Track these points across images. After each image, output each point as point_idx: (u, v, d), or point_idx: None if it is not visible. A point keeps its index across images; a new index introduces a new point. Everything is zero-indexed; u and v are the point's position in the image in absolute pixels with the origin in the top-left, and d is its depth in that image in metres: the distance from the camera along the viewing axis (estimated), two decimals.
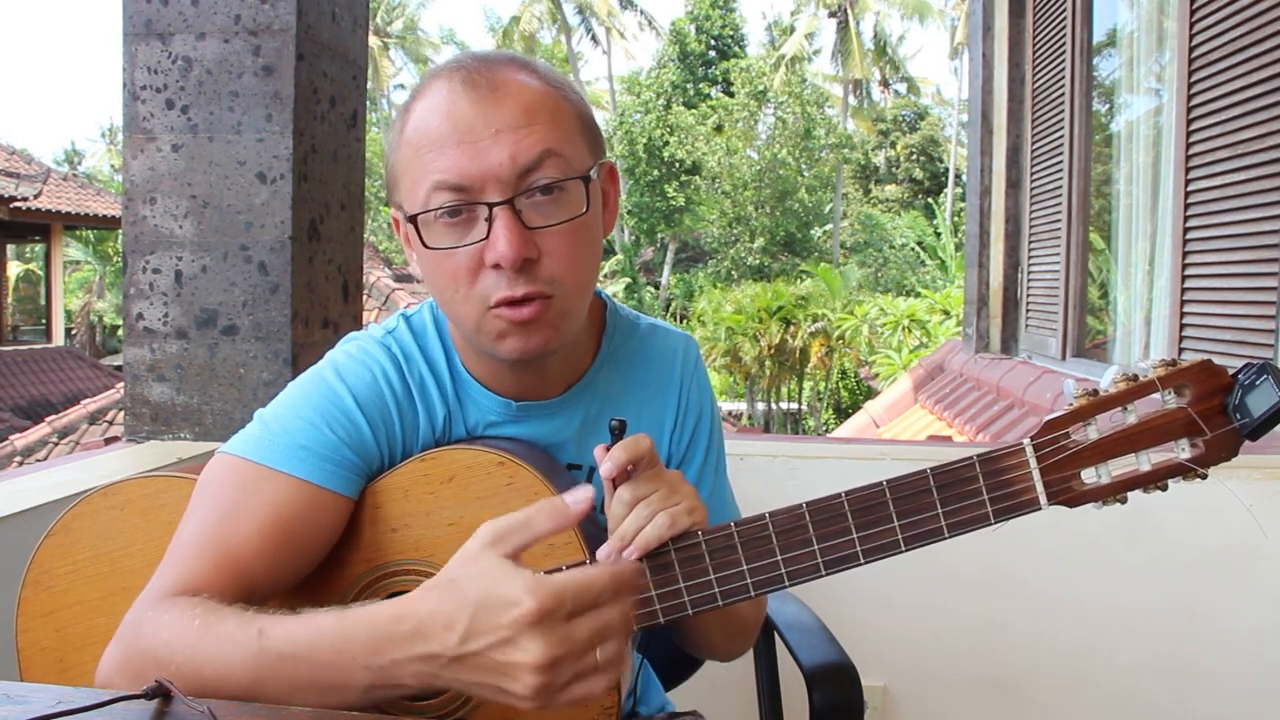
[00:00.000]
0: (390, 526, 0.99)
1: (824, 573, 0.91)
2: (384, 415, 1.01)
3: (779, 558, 0.92)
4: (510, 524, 0.78)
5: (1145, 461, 0.87)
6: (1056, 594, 1.95)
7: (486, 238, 0.92)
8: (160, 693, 0.75)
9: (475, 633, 0.74)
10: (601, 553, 0.94)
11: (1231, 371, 0.85)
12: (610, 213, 1.04)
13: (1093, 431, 0.87)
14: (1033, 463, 0.87)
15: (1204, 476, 0.87)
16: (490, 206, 0.91)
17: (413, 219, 0.94)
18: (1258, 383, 0.82)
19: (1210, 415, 0.85)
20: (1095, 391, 0.87)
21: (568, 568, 0.94)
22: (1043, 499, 0.88)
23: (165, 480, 1.05)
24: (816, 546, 0.91)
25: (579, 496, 0.79)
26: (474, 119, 0.92)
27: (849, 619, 1.57)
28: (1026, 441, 0.88)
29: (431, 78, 0.97)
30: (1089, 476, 0.88)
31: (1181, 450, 0.86)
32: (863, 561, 0.91)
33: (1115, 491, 0.88)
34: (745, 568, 0.92)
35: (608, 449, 0.93)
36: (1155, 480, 0.87)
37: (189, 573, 0.91)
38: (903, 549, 0.90)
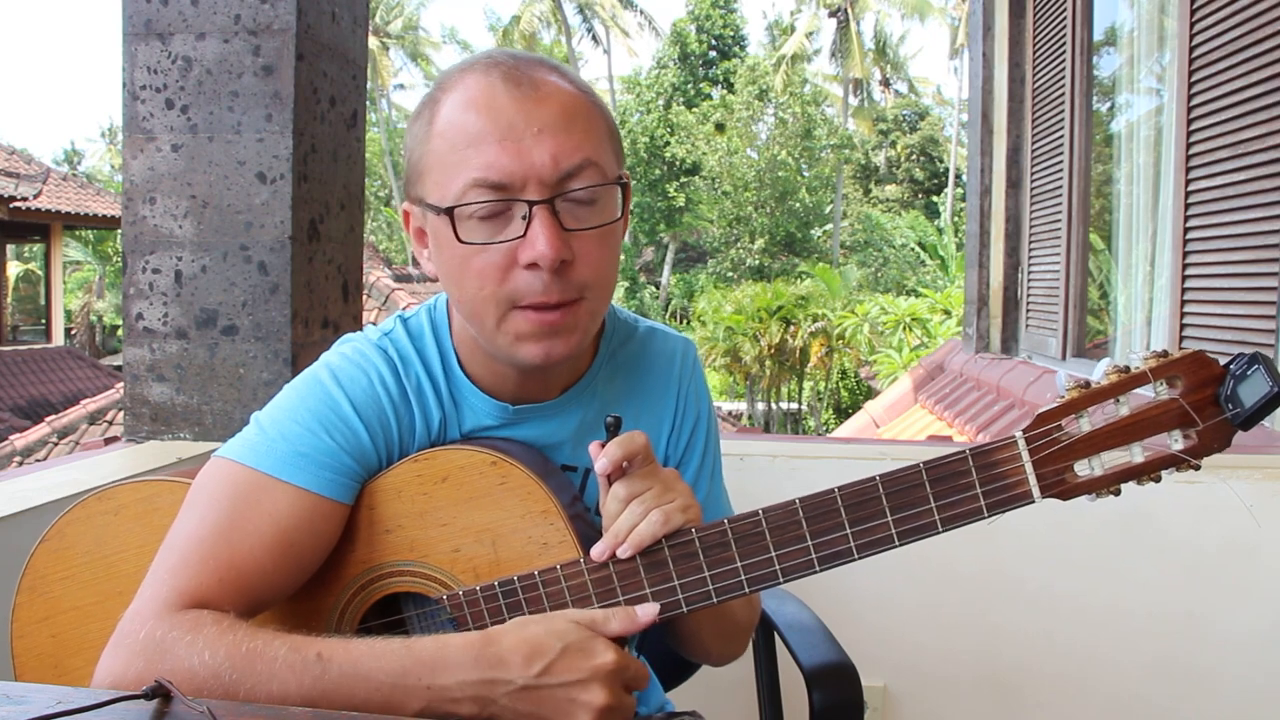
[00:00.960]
0: (384, 528, 0.99)
1: (818, 568, 0.92)
2: (381, 420, 1.00)
3: (773, 554, 0.92)
4: (585, 615, 0.91)
5: (1138, 453, 0.87)
6: (1056, 594, 1.95)
7: (523, 236, 0.91)
8: (160, 693, 0.75)
9: (557, 670, 0.86)
10: (595, 551, 0.94)
11: (1223, 362, 0.85)
12: (624, 223, 1.03)
13: (1085, 424, 0.87)
14: (1025, 455, 0.88)
15: (1197, 467, 0.87)
16: (530, 205, 0.91)
17: (449, 211, 0.92)
18: (1249, 373, 0.82)
19: (1202, 406, 0.85)
20: (1087, 384, 0.87)
21: (562, 567, 0.95)
22: (1035, 491, 0.88)
23: (159, 485, 1.05)
24: (810, 542, 0.91)
25: (648, 609, 0.92)
26: (515, 116, 0.91)
27: (849, 619, 1.57)
28: (1018, 434, 0.88)
29: (464, 71, 0.96)
30: (1082, 469, 0.88)
31: (1174, 441, 0.87)
32: (857, 557, 0.91)
33: (1108, 483, 0.88)
34: (739, 564, 0.92)
35: (603, 445, 0.93)
36: (1148, 471, 0.87)
37: (193, 585, 0.91)
38: (897, 543, 0.90)
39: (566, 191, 0.92)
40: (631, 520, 0.92)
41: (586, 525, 1.00)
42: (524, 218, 0.91)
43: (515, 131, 0.91)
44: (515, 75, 0.93)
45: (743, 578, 0.92)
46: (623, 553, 0.92)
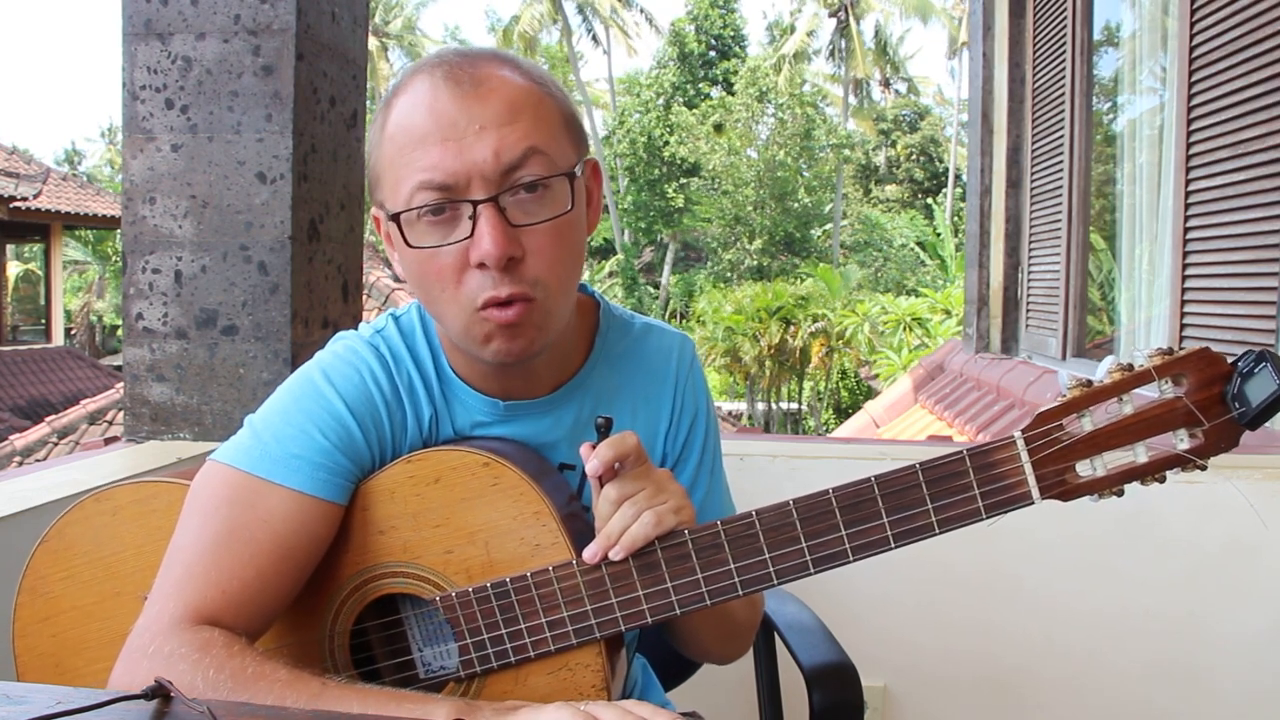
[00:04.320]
0: (377, 529, 0.99)
1: (812, 570, 0.91)
2: (374, 417, 1.00)
3: (766, 556, 0.91)
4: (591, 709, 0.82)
5: (1142, 453, 0.85)
6: (1057, 594, 1.95)
7: (470, 236, 0.91)
8: (160, 693, 0.75)
9: None
10: (587, 553, 0.93)
11: (1230, 359, 0.83)
12: (594, 210, 1.03)
13: (1087, 423, 0.85)
14: (1024, 456, 0.86)
15: (1203, 468, 0.85)
16: (474, 204, 0.90)
17: (395, 217, 0.93)
18: (1256, 370, 0.80)
19: (1208, 405, 0.83)
20: (1089, 383, 0.86)
21: (555, 569, 0.94)
22: (1035, 492, 0.86)
23: (156, 485, 1.05)
24: (805, 544, 0.90)
25: None
26: (457, 115, 0.90)
27: (849, 619, 1.57)
28: (1017, 434, 0.86)
29: (413, 73, 0.95)
30: (1084, 469, 0.86)
31: (1180, 441, 0.85)
32: (852, 559, 0.90)
33: (1111, 484, 0.86)
34: (733, 566, 0.92)
35: (594, 446, 0.92)
36: (1152, 472, 0.85)
37: (199, 599, 0.92)
38: (892, 545, 0.89)
39: (511, 185, 0.91)
40: (624, 522, 0.92)
41: (583, 525, 1.00)
42: (470, 217, 0.91)
43: (456, 130, 0.90)
44: (457, 74, 0.92)
45: (736, 580, 0.92)
46: (615, 555, 0.92)
